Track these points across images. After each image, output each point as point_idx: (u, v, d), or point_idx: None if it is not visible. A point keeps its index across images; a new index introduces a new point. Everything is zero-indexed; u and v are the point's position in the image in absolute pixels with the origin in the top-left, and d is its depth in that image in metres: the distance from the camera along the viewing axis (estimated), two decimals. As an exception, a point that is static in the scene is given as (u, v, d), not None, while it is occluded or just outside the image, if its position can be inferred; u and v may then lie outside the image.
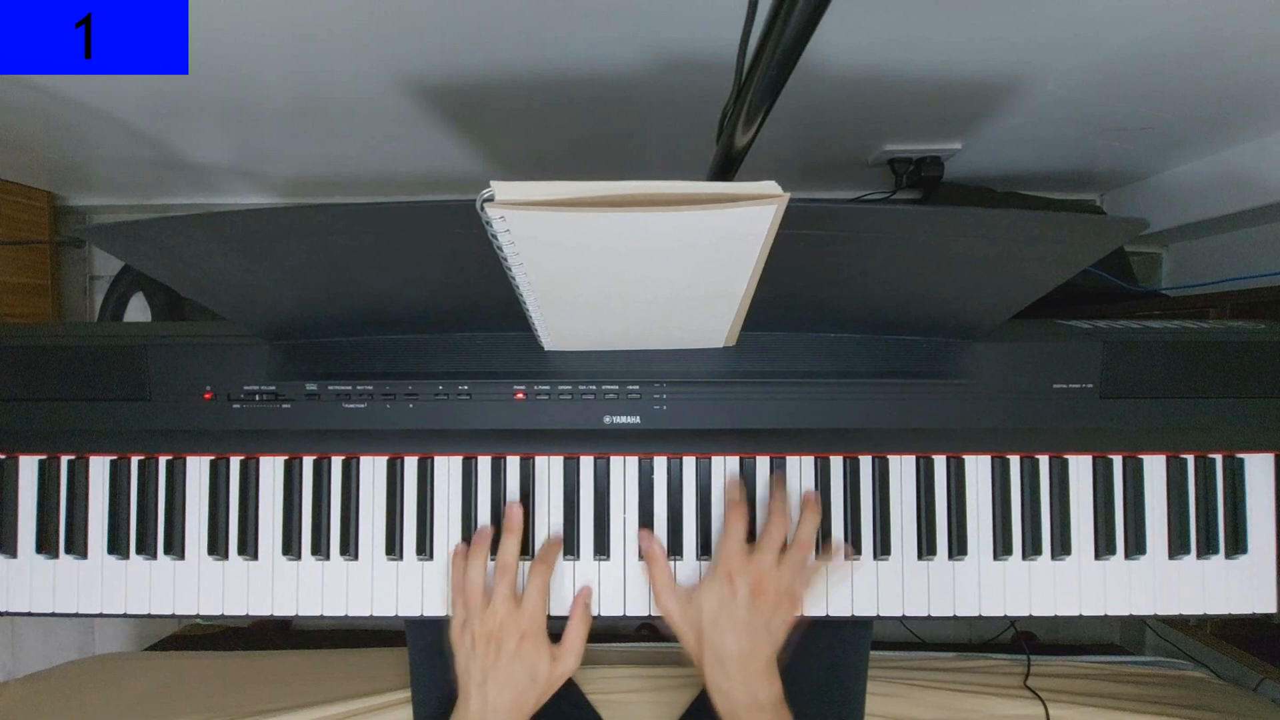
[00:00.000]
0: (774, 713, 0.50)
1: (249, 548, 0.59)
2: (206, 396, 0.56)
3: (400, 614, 0.58)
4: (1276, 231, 0.94)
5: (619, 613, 0.58)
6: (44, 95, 0.75)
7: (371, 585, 0.59)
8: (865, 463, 0.59)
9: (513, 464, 0.59)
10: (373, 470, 0.59)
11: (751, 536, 0.58)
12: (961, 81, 0.72)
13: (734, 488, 0.57)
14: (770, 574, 0.52)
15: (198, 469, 0.60)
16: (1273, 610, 0.59)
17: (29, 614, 0.60)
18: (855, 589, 0.58)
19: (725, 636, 0.50)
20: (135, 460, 0.60)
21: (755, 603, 0.51)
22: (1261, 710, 0.79)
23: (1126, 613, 0.59)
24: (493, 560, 0.56)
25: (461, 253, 0.42)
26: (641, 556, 0.58)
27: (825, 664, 0.63)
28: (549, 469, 0.59)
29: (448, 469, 0.59)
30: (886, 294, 0.50)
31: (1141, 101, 0.77)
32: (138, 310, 1.24)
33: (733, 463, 0.59)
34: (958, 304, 0.51)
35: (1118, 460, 0.60)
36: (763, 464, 0.59)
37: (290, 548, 0.59)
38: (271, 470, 0.60)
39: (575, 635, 0.54)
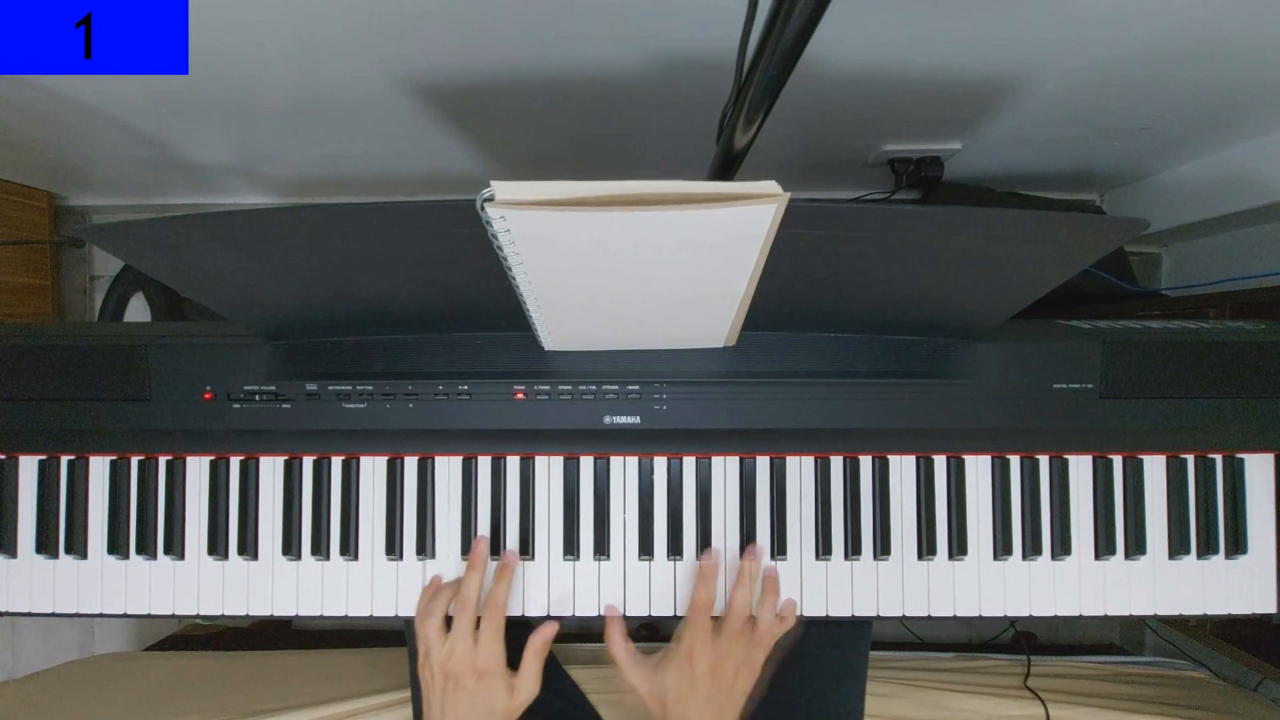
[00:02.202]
0: None
1: (249, 548, 0.59)
2: (206, 396, 0.56)
3: (400, 614, 0.58)
4: (1276, 231, 0.94)
5: (619, 613, 0.58)
6: (44, 95, 0.75)
7: (371, 585, 0.59)
8: (865, 463, 0.59)
9: (513, 464, 0.59)
10: (373, 470, 0.59)
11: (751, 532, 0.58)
12: (961, 81, 0.72)
13: (705, 581, 0.56)
14: (728, 653, 0.53)
15: (198, 469, 0.60)
16: (1273, 610, 0.59)
17: (29, 614, 0.60)
18: (855, 589, 0.58)
19: (689, 710, 0.52)
20: (135, 460, 0.60)
21: (715, 678, 0.52)
22: (1261, 710, 0.79)
23: (1126, 613, 0.59)
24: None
25: (461, 253, 0.42)
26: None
27: (825, 664, 0.63)
28: (549, 469, 0.59)
29: (448, 469, 0.59)
30: (886, 294, 0.50)
31: (1141, 101, 0.77)
32: (138, 310, 1.24)
33: (733, 463, 0.59)
34: (958, 304, 0.51)
35: (1118, 460, 0.60)
36: (763, 464, 0.59)
37: (290, 548, 0.59)
38: (271, 470, 0.60)
39: (530, 669, 0.54)
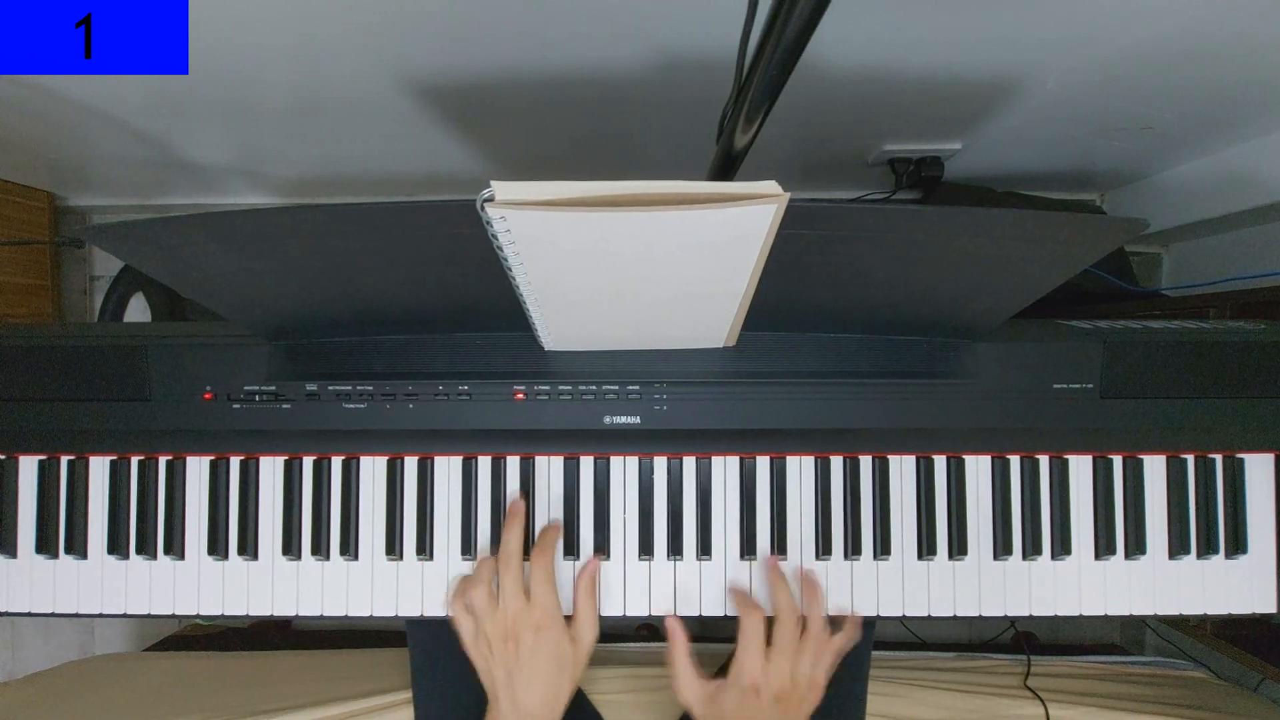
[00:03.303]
0: None
1: (249, 548, 0.59)
2: (206, 396, 0.56)
3: (400, 614, 0.58)
4: (1276, 231, 0.94)
5: (619, 613, 0.58)
6: (44, 95, 0.75)
7: (372, 585, 0.59)
8: (865, 463, 0.59)
9: (513, 464, 0.59)
10: (373, 470, 0.59)
11: (751, 530, 0.58)
12: (961, 81, 0.72)
13: (756, 604, 0.55)
14: (794, 677, 0.51)
15: (198, 469, 0.60)
16: (1273, 610, 0.59)
17: (29, 614, 0.60)
18: (855, 589, 0.58)
19: None
20: (135, 460, 0.60)
21: (781, 705, 0.50)
22: (1261, 710, 0.79)
23: (1126, 613, 0.59)
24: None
25: (461, 253, 0.42)
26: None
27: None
28: (549, 469, 0.59)
29: (448, 469, 0.59)
30: (886, 294, 0.50)
31: (1141, 101, 0.77)
32: (138, 310, 1.24)
33: (733, 462, 0.59)
34: (958, 304, 0.51)
35: (1118, 460, 0.60)
36: (763, 464, 0.59)
37: (290, 548, 0.59)
38: (271, 470, 0.60)
39: (584, 610, 0.53)
